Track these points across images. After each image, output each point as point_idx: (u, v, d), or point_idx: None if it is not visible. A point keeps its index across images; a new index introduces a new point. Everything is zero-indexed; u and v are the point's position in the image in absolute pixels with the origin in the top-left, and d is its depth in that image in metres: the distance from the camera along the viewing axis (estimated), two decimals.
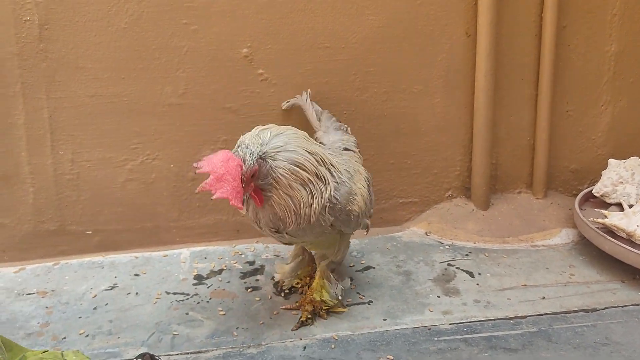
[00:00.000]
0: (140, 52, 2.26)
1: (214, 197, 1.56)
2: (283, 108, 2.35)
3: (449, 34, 2.41)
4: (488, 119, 2.47)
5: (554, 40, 2.44)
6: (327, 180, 1.78)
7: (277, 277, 2.19)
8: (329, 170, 1.80)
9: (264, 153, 1.69)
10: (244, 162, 1.64)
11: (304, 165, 1.72)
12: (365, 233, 2.07)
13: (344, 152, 2.07)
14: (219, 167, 1.57)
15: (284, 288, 2.16)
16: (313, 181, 1.73)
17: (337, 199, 1.81)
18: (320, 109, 2.30)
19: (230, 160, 1.59)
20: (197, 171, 1.59)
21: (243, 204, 1.72)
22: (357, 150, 2.13)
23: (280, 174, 1.69)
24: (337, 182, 1.82)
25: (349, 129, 2.24)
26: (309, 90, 2.33)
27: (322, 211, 1.78)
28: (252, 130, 1.79)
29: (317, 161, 1.77)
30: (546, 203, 2.60)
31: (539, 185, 2.60)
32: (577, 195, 2.52)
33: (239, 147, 1.70)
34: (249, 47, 2.31)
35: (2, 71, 2.20)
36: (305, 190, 1.73)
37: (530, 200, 2.61)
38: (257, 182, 1.68)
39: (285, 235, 1.81)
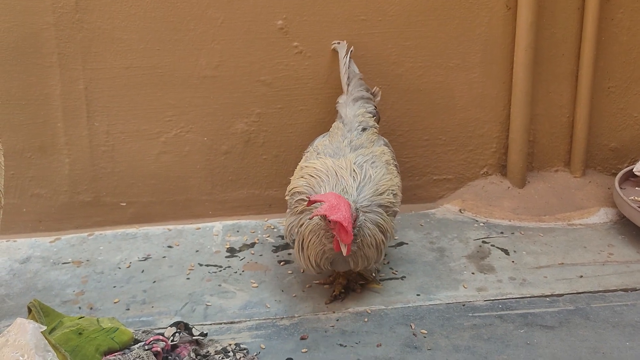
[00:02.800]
0: (176, 23, 2.25)
1: (330, 218, 1.66)
2: (331, 47, 2.32)
3: (489, 7, 2.35)
4: (526, 95, 2.41)
5: (598, 14, 2.36)
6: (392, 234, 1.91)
7: None
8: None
9: (357, 208, 1.77)
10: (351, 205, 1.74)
11: (383, 228, 1.84)
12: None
13: (363, 136, 2.07)
14: (333, 198, 1.69)
15: None
16: (385, 243, 1.86)
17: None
18: (356, 71, 2.27)
19: (342, 198, 1.72)
20: (311, 199, 1.74)
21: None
22: (372, 123, 2.15)
23: (366, 233, 1.78)
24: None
25: (378, 94, 2.27)
26: (351, 48, 2.27)
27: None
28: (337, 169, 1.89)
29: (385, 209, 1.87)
30: (584, 182, 2.54)
31: (577, 163, 2.54)
32: (616, 174, 2.46)
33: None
34: (284, 19, 2.28)
35: (39, 41, 2.21)
36: (377, 250, 1.84)
37: (567, 179, 2.55)
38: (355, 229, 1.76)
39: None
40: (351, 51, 2.27)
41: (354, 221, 1.71)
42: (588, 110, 2.47)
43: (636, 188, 2.36)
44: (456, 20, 2.35)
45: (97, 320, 1.68)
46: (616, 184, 2.34)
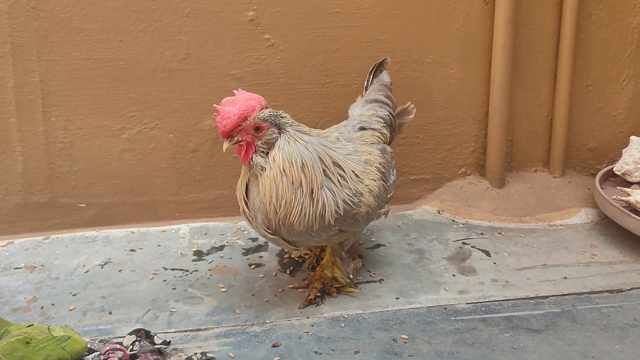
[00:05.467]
0: (139, 13, 2.12)
1: (217, 107, 1.65)
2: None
3: (466, 1, 2.28)
4: (505, 92, 2.35)
5: (576, 10, 2.31)
6: (325, 202, 1.67)
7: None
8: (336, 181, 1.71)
9: (283, 125, 1.67)
10: (260, 112, 1.65)
11: (306, 167, 1.65)
12: (384, 218, 1.97)
13: (358, 133, 1.90)
14: (241, 95, 1.66)
15: (292, 257, 2.07)
16: (304, 191, 1.65)
17: (338, 212, 1.70)
18: (384, 79, 2.11)
19: (252, 99, 1.66)
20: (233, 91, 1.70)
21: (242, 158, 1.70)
22: (378, 127, 1.95)
23: (281, 155, 1.64)
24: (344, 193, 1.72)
25: (411, 111, 2.13)
26: (386, 58, 2.14)
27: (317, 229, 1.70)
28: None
29: (322, 172, 1.68)
30: (564, 182, 2.48)
31: (557, 163, 2.48)
32: (595, 174, 2.41)
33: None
34: (255, 10, 2.18)
35: None
36: (293, 194, 1.64)
37: (547, 179, 2.49)
38: (256, 140, 1.66)
39: (282, 240, 1.72)
40: (383, 61, 2.13)
41: (259, 130, 1.64)
42: (567, 109, 2.42)
43: (617, 188, 2.31)
44: (433, 15, 2.28)
45: (48, 329, 1.53)
46: (597, 184, 2.28)
